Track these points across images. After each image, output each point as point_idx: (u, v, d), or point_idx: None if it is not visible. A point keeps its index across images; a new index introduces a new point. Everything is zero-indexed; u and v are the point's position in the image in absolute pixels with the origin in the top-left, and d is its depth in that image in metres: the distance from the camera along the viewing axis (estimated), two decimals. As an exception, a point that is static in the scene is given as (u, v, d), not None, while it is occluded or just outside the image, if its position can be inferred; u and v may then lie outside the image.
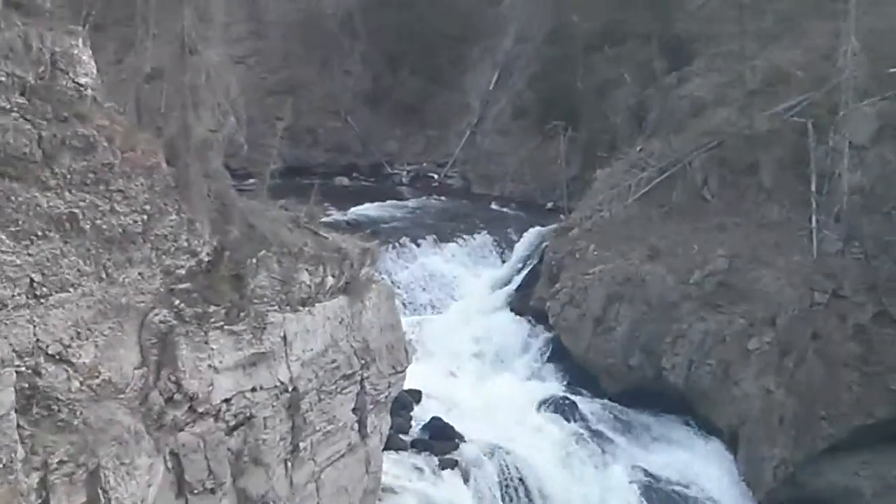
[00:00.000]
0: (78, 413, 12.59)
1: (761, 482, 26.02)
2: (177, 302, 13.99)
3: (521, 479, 24.49)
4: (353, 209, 36.89)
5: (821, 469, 25.51)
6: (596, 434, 27.02)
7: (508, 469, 24.55)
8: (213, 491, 14.54)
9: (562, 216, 35.41)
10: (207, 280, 14.47)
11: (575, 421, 27.36)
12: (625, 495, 25.57)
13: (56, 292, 12.48)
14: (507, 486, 24.31)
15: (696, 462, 26.99)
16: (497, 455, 24.77)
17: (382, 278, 27.17)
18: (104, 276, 13.08)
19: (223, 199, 15.12)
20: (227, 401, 14.79)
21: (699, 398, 27.97)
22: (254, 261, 15.21)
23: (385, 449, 20.55)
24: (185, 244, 14.07)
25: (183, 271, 14.12)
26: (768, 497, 26.04)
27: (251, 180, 19.98)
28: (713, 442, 27.56)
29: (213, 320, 14.41)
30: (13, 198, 11.97)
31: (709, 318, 27.92)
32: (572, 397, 28.51)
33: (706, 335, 27.74)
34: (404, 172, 44.94)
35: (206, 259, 14.52)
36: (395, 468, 23.01)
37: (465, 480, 23.75)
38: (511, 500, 24.20)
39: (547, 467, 25.29)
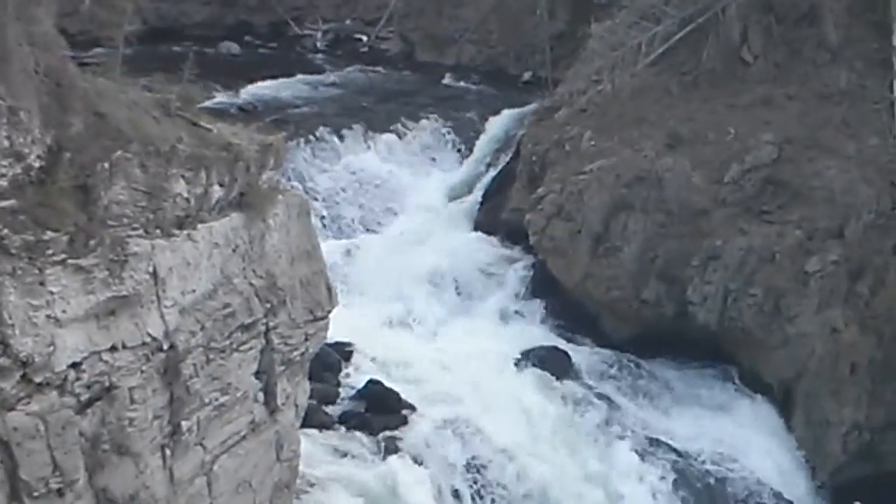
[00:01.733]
0: None
1: (826, 455, 26.65)
2: (-3, 227, 13.85)
3: (493, 464, 24.87)
4: (247, 88, 36.62)
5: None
6: (597, 396, 27.42)
7: (475, 450, 24.87)
8: (60, 492, 14.52)
9: (544, 92, 35.35)
10: (40, 195, 14.29)
11: (567, 379, 27.73)
12: (637, 479, 26.05)
13: None
14: (474, 473, 24.67)
15: (736, 431, 27.56)
16: (460, 431, 25.10)
17: (293, 186, 27.07)
18: None
19: (58, 78, 14.88)
20: (75, 365, 14.71)
21: (739, 342, 28.43)
22: (106, 165, 15.05)
23: (303, 427, 20.67)
24: (6, 144, 13.88)
25: (4, 182, 13.97)
26: (835, 475, 26.69)
27: (98, 49, 19.73)
28: (758, 402, 28.15)
29: (50, 252, 14.26)
30: None
31: (751, 229, 28.26)
32: (563, 346, 28.88)
33: (748, 254, 28.06)
34: (319, 34, 44.59)
35: (38, 165, 14.36)
36: (319, 452, 23.22)
37: (417, 466, 24.03)
38: (479, 494, 24.56)
39: (529, 445, 25.66)
